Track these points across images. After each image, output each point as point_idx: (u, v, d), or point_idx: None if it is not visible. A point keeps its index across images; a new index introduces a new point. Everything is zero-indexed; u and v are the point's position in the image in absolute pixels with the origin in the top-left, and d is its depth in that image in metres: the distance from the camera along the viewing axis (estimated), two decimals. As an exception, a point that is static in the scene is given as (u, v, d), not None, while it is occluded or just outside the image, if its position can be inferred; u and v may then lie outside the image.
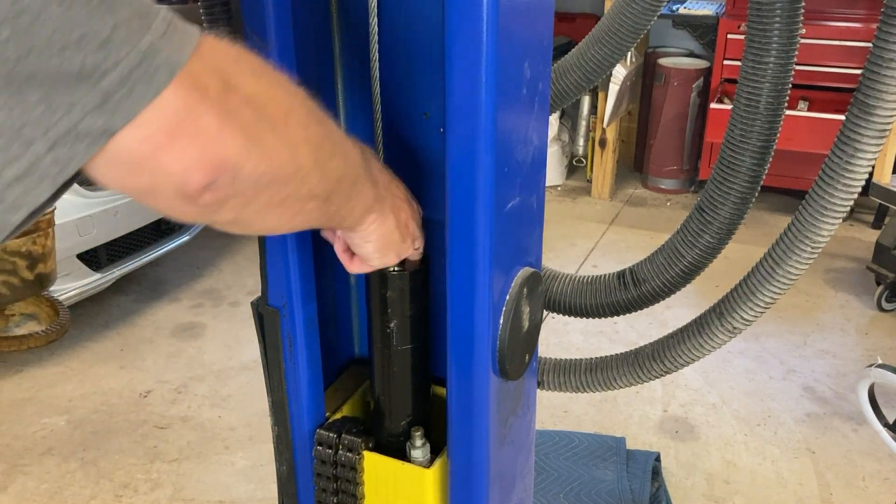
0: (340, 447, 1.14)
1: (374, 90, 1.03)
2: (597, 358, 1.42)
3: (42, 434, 2.83)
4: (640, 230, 4.44)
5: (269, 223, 0.70)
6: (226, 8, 1.05)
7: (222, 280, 3.91)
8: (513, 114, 0.94)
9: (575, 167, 5.19)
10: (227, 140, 0.59)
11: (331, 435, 1.15)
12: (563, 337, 3.39)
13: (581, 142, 4.98)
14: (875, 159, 1.09)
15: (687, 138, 4.79)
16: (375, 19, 0.99)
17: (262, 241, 1.08)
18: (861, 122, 1.05)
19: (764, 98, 1.23)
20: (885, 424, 1.93)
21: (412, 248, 0.99)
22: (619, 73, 4.35)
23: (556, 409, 2.93)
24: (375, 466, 1.14)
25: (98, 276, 3.28)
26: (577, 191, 4.99)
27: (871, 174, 1.95)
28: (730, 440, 2.81)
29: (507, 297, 1.01)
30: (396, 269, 1.03)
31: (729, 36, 4.37)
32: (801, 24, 1.19)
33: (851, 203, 1.11)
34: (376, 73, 1.01)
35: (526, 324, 1.06)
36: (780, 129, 1.26)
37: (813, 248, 1.14)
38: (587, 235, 4.39)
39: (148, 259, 3.55)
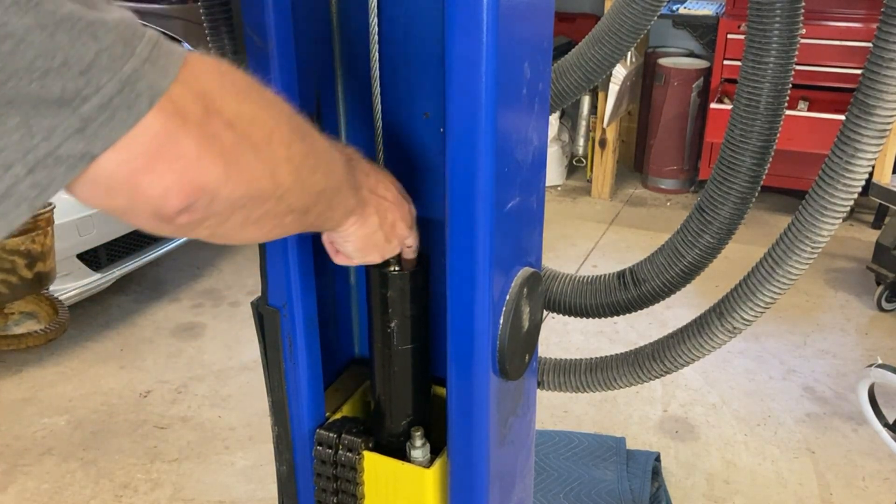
0: (340, 447, 1.14)
1: (374, 90, 1.03)
2: (597, 358, 1.42)
3: (42, 434, 2.83)
4: (640, 230, 4.44)
5: (246, 237, 0.70)
6: (226, 8, 1.05)
7: (222, 280, 3.91)
8: (513, 114, 0.94)
9: (575, 167, 5.19)
10: (206, 165, 0.59)
11: (331, 435, 1.15)
12: (563, 337, 3.39)
13: (581, 142, 4.98)
14: (875, 159, 1.09)
15: (687, 138, 4.78)
16: (375, 19, 0.99)
17: (262, 242, 1.08)
18: (861, 122, 1.05)
19: (764, 98, 1.23)
20: (885, 424, 1.93)
21: (399, 248, 0.98)
22: (619, 73, 4.35)
23: (556, 409, 2.93)
24: (375, 466, 1.14)
25: (98, 276, 3.27)
26: (577, 191, 4.99)
27: (871, 174, 1.95)
28: (730, 440, 2.81)
29: (507, 297, 1.01)
30: (396, 269, 1.03)
31: (729, 36, 4.37)
32: (801, 24, 1.19)
33: (851, 203, 1.11)
34: (376, 73, 1.02)
35: (526, 324, 1.06)
36: (780, 129, 1.26)
37: (813, 248, 1.14)
38: (587, 235, 4.39)
39: (148, 259, 3.55)
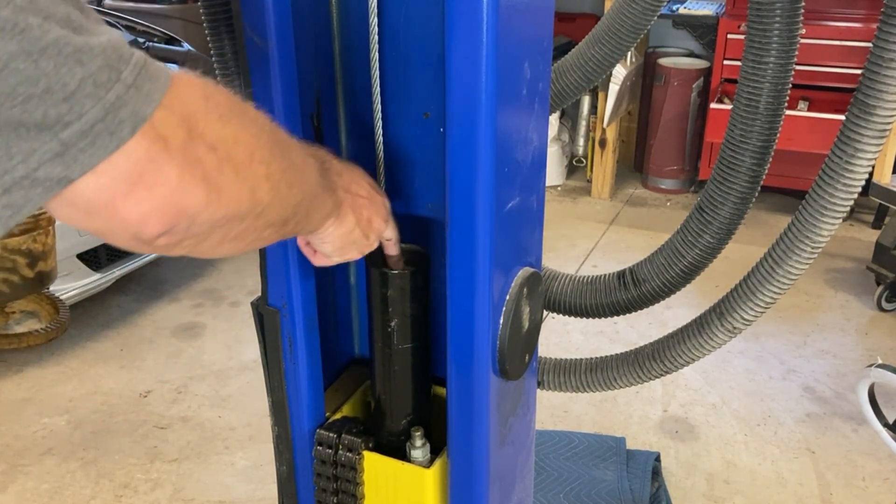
0: (340, 447, 1.14)
1: (374, 90, 1.03)
2: (597, 358, 1.42)
3: (42, 434, 2.83)
4: (640, 230, 4.44)
5: (225, 252, 0.70)
6: (226, 8, 1.05)
7: (222, 280, 3.91)
8: (513, 114, 0.94)
9: (575, 167, 5.19)
10: (188, 190, 0.59)
11: (331, 435, 1.15)
12: (563, 337, 3.39)
13: (581, 142, 4.98)
14: (875, 159, 1.09)
15: (687, 138, 4.78)
16: (375, 19, 0.99)
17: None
18: (861, 122, 1.05)
19: (764, 98, 1.23)
20: (885, 424, 1.93)
21: (377, 243, 0.98)
22: (619, 73, 4.35)
23: (556, 409, 2.93)
24: (375, 466, 1.14)
25: (98, 276, 3.28)
26: (577, 191, 4.99)
27: (871, 174, 1.95)
28: (730, 440, 2.81)
29: (507, 297, 1.01)
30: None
31: (729, 36, 4.37)
32: (801, 24, 1.19)
33: (851, 203, 1.11)
34: (376, 73, 1.02)
35: (526, 324, 1.06)
36: (780, 129, 1.26)
37: (813, 248, 1.14)
38: (587, 235, 4.39)
39: (148, 259, 3.55)
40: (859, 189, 1.10)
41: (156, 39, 4.02)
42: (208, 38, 1.08)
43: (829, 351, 3.32)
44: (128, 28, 4.02)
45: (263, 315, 1.14)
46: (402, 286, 1.04)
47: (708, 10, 4.62)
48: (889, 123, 1.05)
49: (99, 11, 4.38)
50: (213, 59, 1.09)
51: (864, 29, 4.11)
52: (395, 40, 1.03)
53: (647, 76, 4.92)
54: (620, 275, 1.41)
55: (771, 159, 1.28)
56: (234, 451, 2.75)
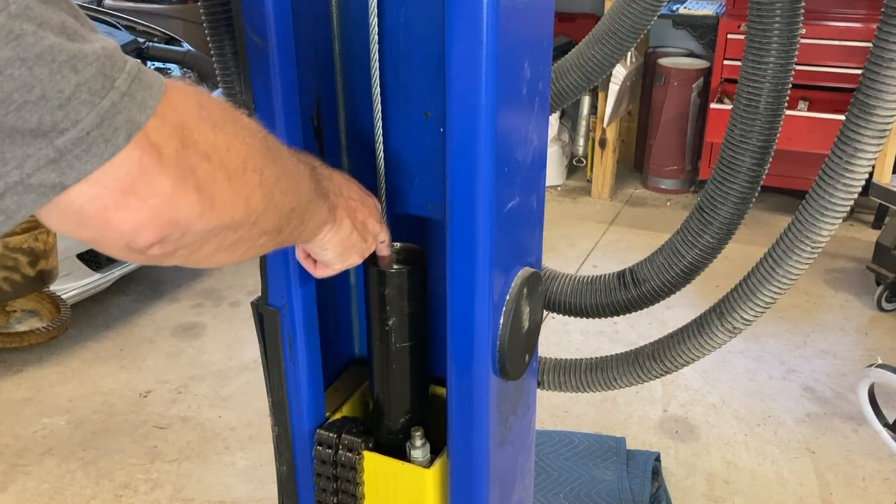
0: (340, 447, 1.14)
1: (374, 90, 1.03)
2: (597, 358, 1.42)
3: (42, 434, 2.83)
4: (640, 230, 4.44)
5: (219, 261, 0.70)
6: (226, 8, 1.05)
7: (222, 280, 3.91)
8: (513, 114, 0.94)
9: (575, 167, 5.19)
10: (181, 200, 0.59)
11: (331, 435, 1.15)
12: (563, 337, 3.39)
13: (581, 142, 4.97)
14: (875, 159, 1.09)
15: (687, 138, 4.78)
16: (375, 19, 0.99)
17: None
18: (861, 122, 1.05)
19: (764, 98, 1.23)
20: (885, 424, 1.93)
21: (375, 245, 0.98)
22: (619, 73, 4.35)
23: (556, 409, 2.93)
24: (375, 466, 1.14)
25: (98, 276, 3.27)
26: (577, 191, 4.99)
27: (871, 174, 1.95)
28: (730, 440, 2.81)
29: (507, 297, 1.02)
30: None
31: (729, 36, 4.37)
32: (801, 24, 1.19)
33: (851, 203, 1.11)
34: (376, 73, 1.02)
35: (526, 324, 1.06)
36: (780, 129, 1.26)
37: (813, 248, 1.14)
38: (587, 235, 4.39)
39: (148, 259, 3.54)
40: (859, 189, 1.10)
41: (156, 39, 4.02)
42: (208, 39, 1.08)
43: (829, 351, 3.32)
44: (128, 28, 4.01)
45: (263, 315, 1.14)
46: (399, 284, 1.04)
47: (708, 10, 4.62)
48: (889, 123, 1.05)
49: (99, 11, 4.37)
50: (213, 59, 1.09)
51: (864, 29, 4.11)
52: (395, 40, 1.03)
53: (647, 76, 4.92)
54: (620, 275, 1.41)
55: (771, 159, 1.28)
56: (234, 451, 2.76)
